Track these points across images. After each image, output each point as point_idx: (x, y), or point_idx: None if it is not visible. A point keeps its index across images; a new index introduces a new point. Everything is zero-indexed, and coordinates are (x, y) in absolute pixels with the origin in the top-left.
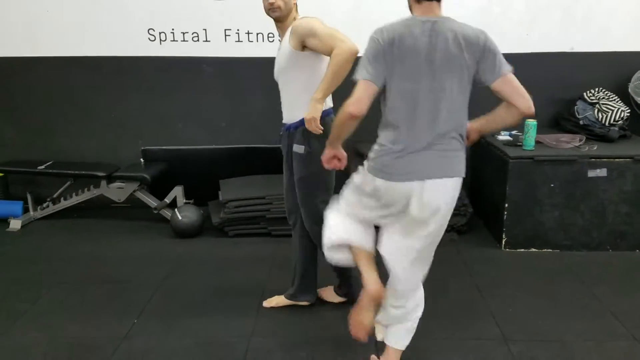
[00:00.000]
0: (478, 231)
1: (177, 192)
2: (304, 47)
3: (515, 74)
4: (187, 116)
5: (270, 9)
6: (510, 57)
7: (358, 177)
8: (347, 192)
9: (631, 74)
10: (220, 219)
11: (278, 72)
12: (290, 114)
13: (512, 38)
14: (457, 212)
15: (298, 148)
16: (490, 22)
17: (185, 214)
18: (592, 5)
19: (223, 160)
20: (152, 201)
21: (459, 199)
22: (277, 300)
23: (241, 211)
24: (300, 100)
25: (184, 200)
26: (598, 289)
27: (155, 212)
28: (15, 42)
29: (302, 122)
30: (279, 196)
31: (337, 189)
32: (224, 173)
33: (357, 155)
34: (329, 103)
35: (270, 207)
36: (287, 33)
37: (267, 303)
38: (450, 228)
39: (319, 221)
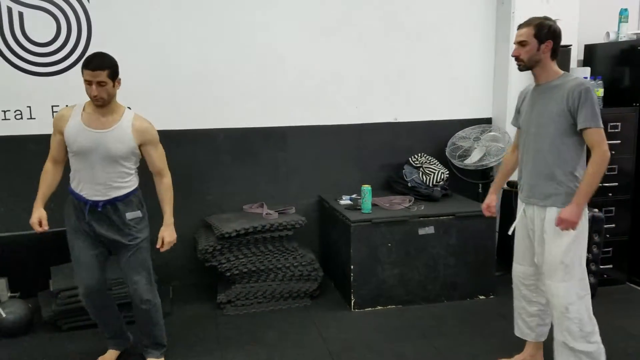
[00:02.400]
0: (330, 294)
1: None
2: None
3: (350, 142)
4: (9, 199)
5: (94, 99)
6: (344, 128)
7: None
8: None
9: (447, 139)
10: (52, 312)
11: (110, 154)
12: (116, 191)
13: (345, 112)
14: (308, 277)
15: (135, 214)
16: (326, 97)
17: (10, 310)
18: (413, 81)
19: (54, 245)
20: None
21: (310, 264)
22: None
23: (76, 301)
24: (127, 179)
25: (9, 294)
26: (438, 341)
27: None
28: None
29: (133, 192)
30: (118, 280)
31: None
32: (55, 259)
33: (206, 227)
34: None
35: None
36: (126, 124)
37: None
38: (303, 294)
39: (152, 279)
